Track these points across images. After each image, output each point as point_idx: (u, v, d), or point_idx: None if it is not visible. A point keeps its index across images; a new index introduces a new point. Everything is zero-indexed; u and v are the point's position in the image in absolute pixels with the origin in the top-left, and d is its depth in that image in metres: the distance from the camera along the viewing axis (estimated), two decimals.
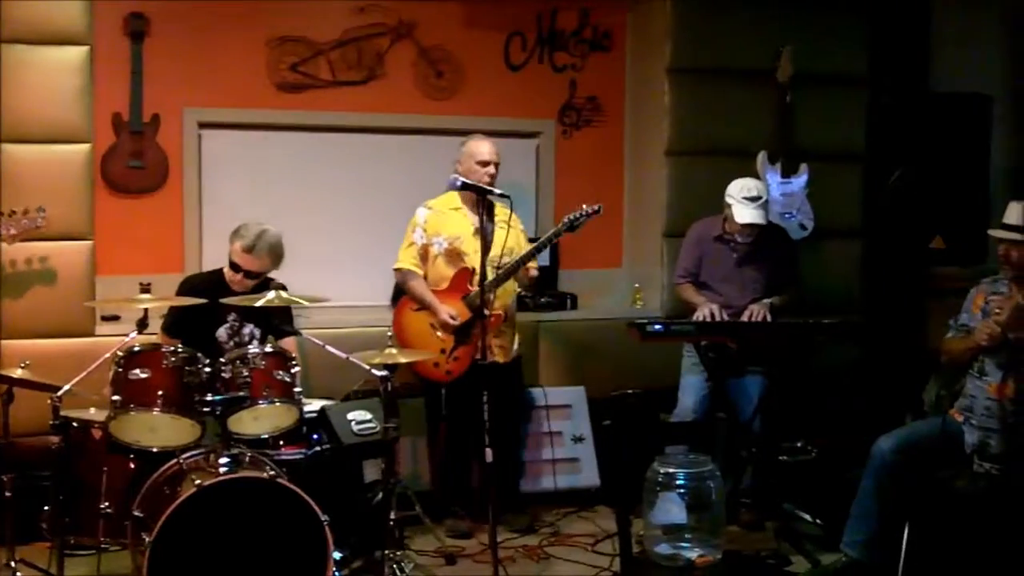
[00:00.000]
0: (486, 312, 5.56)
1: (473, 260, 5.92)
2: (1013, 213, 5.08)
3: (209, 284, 5.70)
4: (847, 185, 7.43)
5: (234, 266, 5.66)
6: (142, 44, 6.60)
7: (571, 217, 5.85)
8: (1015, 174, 8.01)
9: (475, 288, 5.93)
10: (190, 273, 6.27)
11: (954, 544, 4.85)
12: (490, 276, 5.70)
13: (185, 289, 5.72)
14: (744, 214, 6.03)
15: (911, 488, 5.06)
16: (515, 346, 6.27)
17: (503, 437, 5.19)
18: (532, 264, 6.12)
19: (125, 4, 6.58)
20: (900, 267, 7.28)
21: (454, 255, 6.10)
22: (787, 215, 7.10)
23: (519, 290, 6.31)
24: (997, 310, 4.95)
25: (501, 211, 6.13)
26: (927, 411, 5.60)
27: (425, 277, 6.18)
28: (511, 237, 5.97)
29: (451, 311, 6.02)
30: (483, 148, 6.07)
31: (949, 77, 7.55)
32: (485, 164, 5.98)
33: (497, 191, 5.61)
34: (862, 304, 7.42)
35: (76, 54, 6.08)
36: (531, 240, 6.25)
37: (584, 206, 5.84)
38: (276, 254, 5.71)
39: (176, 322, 5.64)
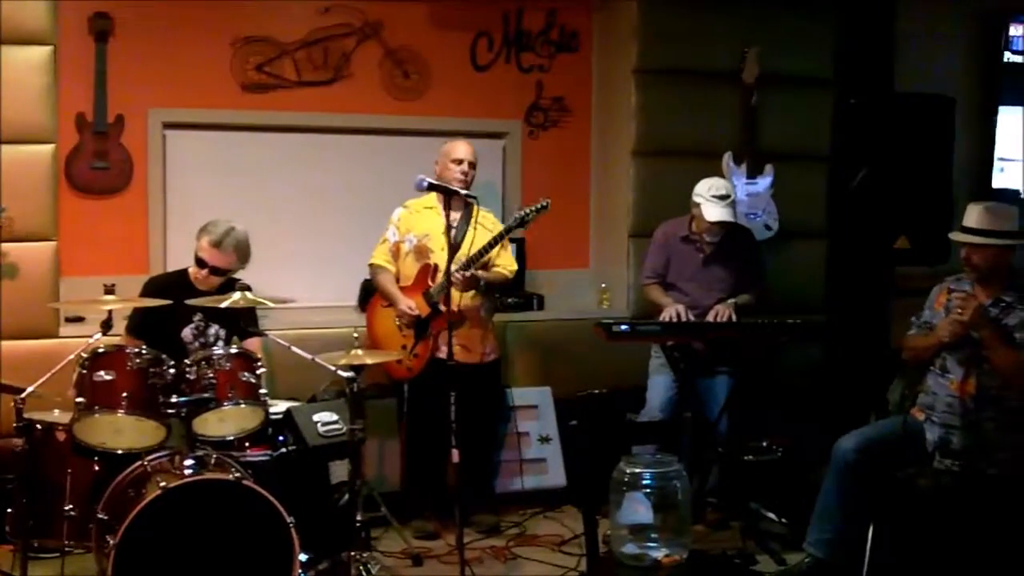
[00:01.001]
0: (440, 308, 5.58)
1: (438, 257, 5.97)
2: (972, 216, 5.11)
3: (174, 284, 5.67)
4: (812, 186, 7.47)
5: (200, 262, 5.64)
6: (106, 44, 6.56)
7: (520, 214, 5.89)
8: (977, 174, 8.10)
9: (435, 284, 5.96)
10: (155, 274, 6.24)
11: (917, 542, 4.89)
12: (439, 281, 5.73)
13: (149, 290, 5.68)
14: (714, 212, 6.06)
15: (873, 487, 5.09)
16: (487, 348, 6.26)
17: (470, 438, 5.18)
18: (502, 265, 6.11)
19: (89, 4, 6.53)
20: (864, 267, 7.32)
21: (421, 252, 6.13)
22: (752, 215, 7.13)
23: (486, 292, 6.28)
24: (959, 309, 4.99)
25: (483, 215, 6.15)
26: (891, 411, 5.63)
27: (398, 275, 6.20)
28: (483, 238, 5.99)
29: (410, 302, 6.04)
30: (458, 147, 6.14)
31: (913, 79, 7.60)
32: (459, 162, 6.03)
33: (463, 191, 5.62)
34: (826, 304, 7.47)
35: (40, 54, 6.04)
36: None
37: (532, 204, 5.88)
38: (243, 252, 5.70)
39: (140, 323, 5.60)
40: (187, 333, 5.68)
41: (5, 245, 5.90)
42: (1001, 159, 8.22)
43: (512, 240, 6.47)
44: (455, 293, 5.66)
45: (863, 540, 5.00)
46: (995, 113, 8.16)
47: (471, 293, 6.08)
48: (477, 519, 6.14)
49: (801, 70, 7.42)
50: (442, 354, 5.81)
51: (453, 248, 5.45)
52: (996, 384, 4.96)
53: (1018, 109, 8.25)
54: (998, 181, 8.21)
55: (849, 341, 7.20)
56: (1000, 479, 4.94)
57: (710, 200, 6.07)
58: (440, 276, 5.90)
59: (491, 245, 5.97)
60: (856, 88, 7.33)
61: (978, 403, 4.98)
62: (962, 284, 5.20)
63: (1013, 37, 8.18)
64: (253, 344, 5.62)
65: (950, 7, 8.02)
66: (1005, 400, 4.99)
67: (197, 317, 5.66)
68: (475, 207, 5.77)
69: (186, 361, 4.96)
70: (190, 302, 5.34)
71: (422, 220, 6.17)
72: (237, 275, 5.70)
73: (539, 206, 5.87)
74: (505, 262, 6.23)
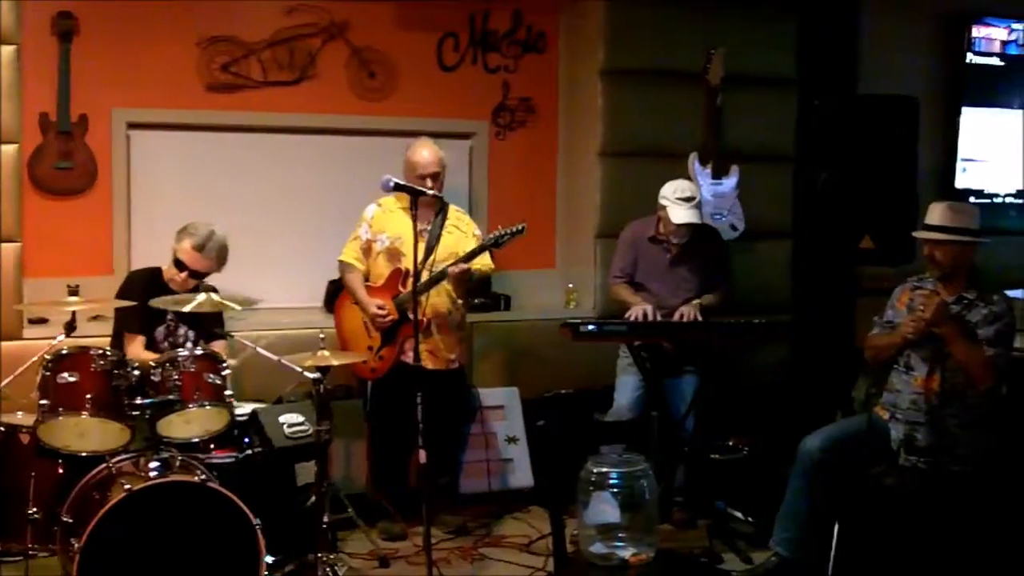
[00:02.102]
0: (409, 315, 5.59)
1: (410, 261, 5.92)
2: (935, 214, 5.18)
3: (149, 281, 5.68)
4: (777, 186, 7.50)
5: (179, 264, 5.63)
6: (71, 44, 6.52)
7: (495, 235, 5.86)
8: (940, 175, 8.16)
9: (406, 289, 5.95)
10: (119, 275, 6.22)
11: (883, 539, 4.92)
12: (424, 279, 5.71)
13: (129, 283, 5.75)
14: (679, 214, 6.08)
15: (839, 485, 5.12)
16: (453, 355, 6.23)
17: (434, 439, 5.17)
18: (480, 264, 6.10)
19: (53, 3, 6.49)
20: (829, 267, 7.37)
21: (393, 254, 6.11)
22: (718, 216, 7.15)
23: (457, 298, 6.25)
24: (922, 306, 5.03)
25: (456, 216, 6.15)
26: (857, 409, 5.66)
27: (367, 274, 6.18)
28: (455, 241, 6.00)
29: (380, 303, 6.03)
30: (420, 159, 6.07)
31: (877, 80, 7.65)
32: (422, 179, 5.96)
33: (430, 193, 5.62)
34: (792, 304, 7.50)
35: (4, 53, 5.99)
36: None
37: (509, 227, 5.85)
38: (222, 256, 5.74)
39: (132, 318, 5.59)
40: (159, 332, 5.69)
41: None
42: (964, 160, 8.29)
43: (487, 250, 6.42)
44: (424, 301, 5.65)
45: (829, 538, 5.03)
46: (958, 114, 8.23)
47: (443, 300, 6.07)
48: (444, 520, 6.13)
49: (765, 71, 7.45)
50: (407, 358, 5.80)
51: (427, 252, 5.44)
52: (960, 380, 4.99)
53: (981, 110, 8.31)
54: (961, 181, 8.27)
55: (815, 340, 7.23)
56: (964, 476, 4.98)
57: (675, 202, 6.09)
58: (411, 282, 5.84)
59: (467, 259, 5.93)
60: (820, 89, 7.37)
61: (942, 400, 5.02)
62: (925, 283, 5.25)
63: (976, 39, 8.26)
64: (219, 346, 5.61)
65: (913, 9, 8.08)
66: (968, 396, 5.03)
67: (169, 316, 5.66)
68: (449, 208, 5.78)
69: (151, 363, 4.95)
70: (154, 303, 5.31)
71: (396, 221, 6.13)
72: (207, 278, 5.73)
73: (515, 229, 5.83)
74: (483, 262, 6.21)
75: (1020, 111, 8.49)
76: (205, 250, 5.62)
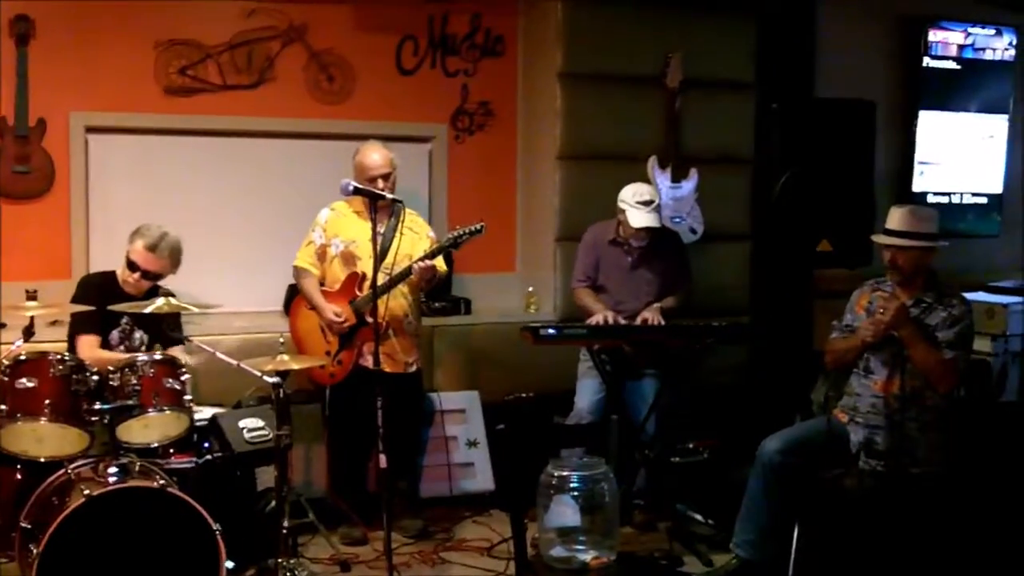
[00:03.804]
0: (367, 319, 5.58)
1: (365, 265, 5.93)
2: (895, 218, 5.22)
3: (103, 284, 5.66)
4: (735, 189, 7.53)
5: (132, 265, 5.63)
6: (27, 47, 6.48)
7: (453, 235, 5.85)
8: (898, 178, 8.23)
9: (363, 293, 5.95)
10: (77, 280, 6.18)
11: (843, 542, 4.96)
12: (381, 282, 5.70)
13: (84, 287, 5.75)
14: (638, 218, 6.10)
15: (798, 487, 5.15)
16: (411, 359, 6.23)
17: (392, 443, 5.17)
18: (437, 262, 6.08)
19: (9, 6, 6.45)
20: (787, 270, 7.40)
21: (348, 258, 6.10)
22: (677, 219, 7.18)
23: (411, 298, 6.25)
24: (881, 309, 5.06)
25: (411, 218, 6.15)
26: (815, 412, 5.70)
27: (323, 278, 6.17)
28: (409, 243, 6.00)
29: (336, 309, 6.02)
30: (371, 161, 6.06)
31: (834, 83, 7.70)
32: (373, 180, 5.95)
33: (389, 196, 5.62)
34: (750, 306, 7.53)
35: None
36: None
37: (467, 226, 5.85)
38: (176, 257, 5.75)
39: (87, 319, 5.58)
40: (114, 336, 5.68)
41: None
42: (921, 163, 8.36)
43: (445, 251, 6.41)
44: (382, 303, 5.65)
45: (789, 540, 5.06)
46: (915, 117, 8.30)
47: (399, 304, 6.07)
48: (404, 524, 6.13)
49: (723, 75, 7.47)
50: (366, 362, 5.81)
51: (380, 256, 5.44)
52: (918, 384, 5.04)
53: (938, 113, 8.39)
54: (918, 184, 8.34)
55: (773, 343, 7.27)
56: (923, 477, 5.02)
57: (635, 206, 6.11)
58: (367, 285, 5.86)
59: (430, 259, 5.92)
60: (777, 93, 7.40)
61: (902, 403, 5.04)
62: (883, 286, 5.28)
63: (932, 43, 8.32)
64: (177, 351, 5.59)
65: (870, 13, 8.14)
66: (926, 399, 5.07)
67: (124, 320, 5.64)
68: (403, 211, 5.77)
69: (109, 368, 4.93)
70: (114, 308, 5.30)
71: (349, 225, 6.14)
72: (161, 282, 5.71)
73: (473, 228, 5.83)
74: (438, 262, 6.20)
75: (978, 114, 8.56)
76: (158, 250, 5.62)
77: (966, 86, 8.50)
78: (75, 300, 5.65)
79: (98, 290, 5.59)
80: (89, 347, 5.55)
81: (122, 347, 5.65)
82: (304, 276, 6.19)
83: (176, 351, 5.58)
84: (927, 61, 8.32)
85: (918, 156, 8.34)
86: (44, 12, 6.51)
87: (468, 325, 7.19)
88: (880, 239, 5.25)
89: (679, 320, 6.23)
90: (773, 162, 6.98)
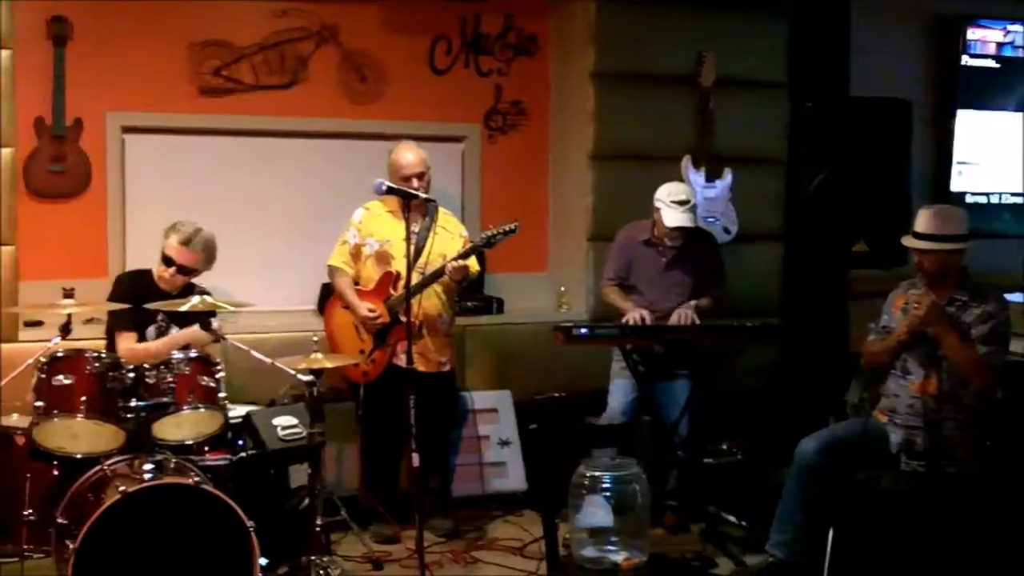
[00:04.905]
0: (400, 318, 5.60)
1: (400, 265, 5.94)
2: (922, 221, 5.18)
3: (139, 283, 5.70)
4: (768, 189, 7.50)
5: (167, 260, 5.67)
6: (64, 48, 6.53)
7: (487, 235, 5.86)
8: (935, 178, 8.18)
9: (397, 292, 5.96)
10: (113, 278, 6.23)
11: (879, 543, 4.93)
12: (415, 282, 5.71)
13: (120, 285, 5.79)
14: (673, 218, 6.07)
15: (835, 489, 5.12)
16: (444, 358, 6.24)
17: (425, 442, 5.19)
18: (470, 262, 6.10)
19: (47, 7, 6.51)
20: (821, 270, 7.37)
21: (383, 257, 6.11)
22: (710, 219, 7.16)
23: (445, 298, 6.26)
24: (915, 304, 5.03)
25: (444, 217, 6.16)
26: (850, 413, 5.67)
27: (357, 277, 6.19)
28: (443, 243, 6.03)
29: (370, 306, 6.04)
30: (405, 161, 6.08)
31: (870, 82, 7.64)
32: (407, 179, 5.97)
33: (422, 195, 5.63)
34: (782, 307, 7.50)
35: None
36: None
37: (501, 226, 5.86)
38: (210, 251, 5.78)
39: (124, 316, 5.62)
40: (150, 332, 5.71)
41: None
42: (960, 163, 8.30)
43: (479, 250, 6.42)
44: (416, 303, 5.65)
45: (823, 542, 5.03)
46: (953, 117, 8.24)
47: (433, 303, 6.09)
48: (436, 523, 6.13)
49: (757, 74, 7.45)
50: (399, 361, 5.83)
51: (414, 256, 5.45)
52: (955, 383, 5.01)
53: (976, 112, 8.32)
54: (956, 184, 8.28)
55: (806, 344, 7.24)
56: (960, 478, 5.00)
57: (669, 206, 6.08)
58: (401, 284, 5.88)
59: (463, 258, 5.93)
60: (811, 92, 7.37)
61: (939, 403, 5.02)
62: (919, 287, 5.25)
63: (971, 41, 8.27)
64: (207, 338, 5.62)
65: (906, 11, 8.10)
66: (963, 398, 5.05)
67: (160, 317, 5.67)
68: (437, 210, 5.77)
69: (145, 365, 4.96)
70: (150, 306, 5.33)
71: (384, 225, 6.15)
72: (197, 277, 5.75)
73: (507, 228, 5.84)
74: (470, 262, 6.21)
75: (1016, 113, 8.49)
76: (192, 244, 5.65)
77: (1005, 85, 8.44)
78: (111, 299, 5.69)
79: (133, 288, 5.63)
80: (128, 342, 5.59)
81: None
82: (338, 275, 6.21)
83: (206, 338, 5.58)
84: (965, 60, 8.27)
85: (956, 156, 8.28)
86: (81, 13, 6.57)
87: (500, 324, 7.20)
88: (908, 242, 5.22)
89: (711, 321, 6.21)
90: (807, 162, 6.98)
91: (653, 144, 7.22)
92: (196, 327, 5.54)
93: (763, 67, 7.46)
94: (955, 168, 8.30)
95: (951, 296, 5.13)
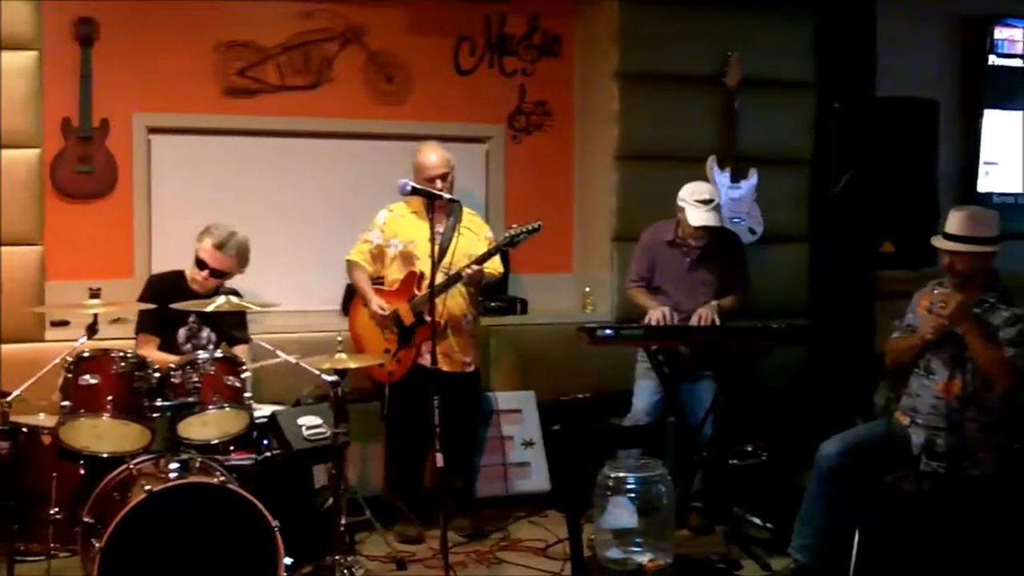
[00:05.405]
0: (425, 317, 5.61)
1: (424, 265, 5.95)
2: (954, 222, 5.13)
3: (171, 284, 5.73)
4: (794, 189, 7.48)
5: (200, 263, 5.71)
6: (91, 49, 6.57)
7: (510, 234, 5.89)
8: (962, 178, 8.13)
9: (420, 292, 5.97)
10: (140, 278, 6.28)
11: (903, 545, 4.90)
12: (439, 282, 5.72)
13: (151, 286, 5.83)
14: (697, 217, 6.05)
15: (858, 491, 5.10)
16: (468, 359, 6.24)
17: (449, 442, 5.19)
18: (489, 267, 6.11)
19: (74, 8, 6.54)
20: (847, 271, 7.34)
21: (407, 258, 6.13)
22: (736, 219, 7.14)
23: (470, 298, 6.27)
24: (942, 303, 5.01)
25: (469, 218, 6.17)
26: (877, 415, 5.64)
27: (382, 278, 6.22)
28: (468, 243, 6.04)
29: (381, 303, 6.06)
30: (429, 162, 6.10)
31: (896, 82, 7.60)
32: (431, 180, 5.98)
33: (446, 195, 5.64)
34: (808, 308, 7.47)
35: (25, 59, 6.06)
36: None
37: (524, 225, 5.88)
38: (243, 255, 5.82)
39: (150, 321, 5.66)
40: (181, 334, 5.74)
41: None
42: (987, 163, 8.25)
43: (503, 250, 6.42)
44: (440, 302, 5.67)
45: (848, 544, 5.01)
46: (980, 116, 8.19)
47: (457, 303, 6.10)
48: (460, 523, 6.14)
49: (783, 74, 7.43)
50: (424, 361, 5.85)
51: (439, 256, 5.47)
52: (979, 384, 4.98)
53: (1004, 112, 8.27)
54: (983, 184, 8.23)
55: (832, 345, 7.21)
56: (983, 480, 4.97)
57: (693, 205, 6.06)
58: (425, 284, 5.89)
59: (482, 260, 5.96)
60: (838, 91, 7.34)
61: (962, 404, 4.99)
62: (946, 286, 5.21)
63: (998, 40, 8.22)
64: (241, 350, 5.65)
65: (932, 10, 8.05)
66: (987, 400, 5.02)
67: (192, 318, 5.70)
68: (461, 211, 5.77)
69: (171, 365, 4.98)
70: (178, 305, 5.35)
71: (408, 225, 6.16)
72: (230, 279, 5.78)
73: (531, 227, 5.86)
74: (493, 266, 6.22)
75: None
76: (225, 248, 5.69)
77: None
78: (141, 299, 5.73)
79: (164, 290, 5.65)
80: (147, 348, 5.62)
81: (189, 345, 5.71)
82: (355, 269, 6.25)
83: (239, 351, 5.63)
84: (992, 59, 8.21)
85: (983, 156, 8.22)
86: (108, 15, 6.61)
87: (524, 325, 7.20)
88: (939, 243, 5.19)
89: (737, 322, 6.19)
90: (833, 162, 6.94)
91: (678, 144, 7.21)
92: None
93: (789, 67, 7.44)
94: (982, 168, 8.24)
95: (980, 297, 5.09)
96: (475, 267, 5.89)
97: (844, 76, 7.52)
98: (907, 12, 7.84)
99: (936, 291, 5.17)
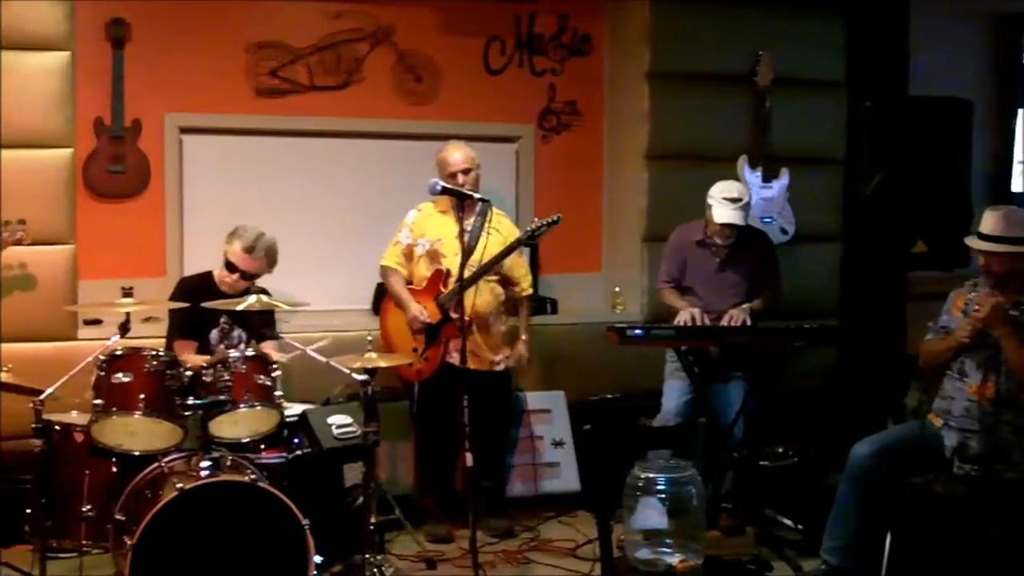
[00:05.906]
0: (451, 315, 5.60)
1: (451, 262, 5.97)
2: (988, 222, 5.08)
3: (201, 286, 5.76)
4: (827, 189, 7.45)
5: (230, 266, 5.73)
6: (123, 50, 6.60)
7: (530, 229, 5.91)
8: (996, 178, 8.08)
9: (447, 290, 5.98)
10: (172, 277, 6.32)
11: (935, 548, 4.87)
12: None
13: (181, 289, 5.87)
14: (723, 214, 6.01)
15: (889, 493, 5.07)
16: (496, 357, 6.25)
17: (480, 442, 5.19)
18: (518, 281, 6.16)
19: (106, 9, 6.58)
20: (880, 271, 7.30)
21: (434, 256, 6.14)
22: (767, 219, 7.11)
23: (498, 297, 6.29)
24: (977, 306, 4.97)
25: (498, 219, 6.17)
26: (908, 416, 5.61)
27: (410, 277, 6.21)
28: (496, 244, 6.04)
29: (421, 308, 6.06)
30: (453, 158, 6.12)
31: (929, 81, 7.57)
32: (454, 176, 6.00)
33: (476, 195, 5.64)
34: (840, 308, 7.44)
35: (58, 59, 6.08)
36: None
37: (544, 218, 5.90)
38: (272, 257, 5.85)
39: (183, 325, 5.70)
40: (214, 335, 5.78)
41: (26, 248, 5.87)
42: (1021, 162, 8.20)
43: (525, 244, 6.43)
44: (467, 300, 5.67)
45: (879, 547, 4.99)
46: (1014, 116, 8.14)
47: (485, 301, 6.10)
48: (490, 523, 6.14)
49: (814, 73, 7.41)
50: (452, 359, 5.87)
51: (466, 254, 5.46)
52: (1014, 387, 4.94)
53: None
54: (1017, 184, 8.18)
55: (864, 346, 7.18)
56: (1017, 483, 4.93)
57: (720, 202, 6.03)
58: (452, 282, 5.90)
59: (502, 255, 5.98)
60: (870, 91, 7.31)
61: (996, 407, 4.96)
62: (980, 288, 5.18)
63: None
64: (271, 346, 5.67)
65: (966, 9, 8.01)
66: (1021, 402, 4.97)
67: (223, 319, 5.73)
68: (491, 210, 5.79)
69: (202, 364, 5.01)
70: (208, 304, 5.37)
71: (435, 224, 6.18)
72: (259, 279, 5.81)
73: (551, 220, 5.87)
74: (519, 275, 6.24)
75: None
76: (255, 252, 5.72)
77: None
78: (172, 301, 5.76)
79: (194, 292, 5.68)
80: (184, 352, 5.64)
81: (222, 345, 5.75)
82: (391, 274, 6.26)
83: (269, 347, 5.65)
84: None
85: (1017, 156, 8.17)
86: (140, 15, 6.65)
87: (554, 325, 7.18)
88: (973, 243, 5.14)
89: (768, 322, 6.16)
90: (865, 162, 6.92)
91: (708, 144, 7.19)
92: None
93: (820, 66, 7.41)
94: (1016, 168, 8.19)
95: (1016, 300, 5.04)
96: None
97: (876, 75, 7.48)
98: (940, 11, 7.80)
99: (972, 294, 5.14)
